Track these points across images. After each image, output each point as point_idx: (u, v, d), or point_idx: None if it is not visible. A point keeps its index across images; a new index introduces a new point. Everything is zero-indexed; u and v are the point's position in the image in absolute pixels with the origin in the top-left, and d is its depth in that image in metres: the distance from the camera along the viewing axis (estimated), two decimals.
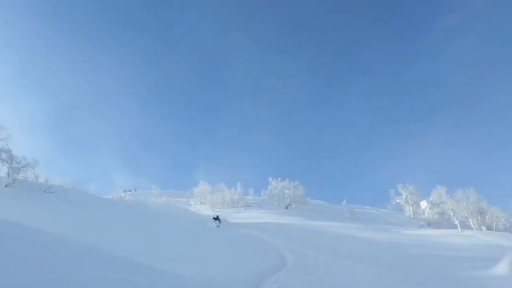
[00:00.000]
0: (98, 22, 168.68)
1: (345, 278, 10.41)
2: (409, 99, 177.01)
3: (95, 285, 3.94)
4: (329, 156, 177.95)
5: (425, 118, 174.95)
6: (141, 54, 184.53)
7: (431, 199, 46.44)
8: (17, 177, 22.42)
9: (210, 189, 56.27)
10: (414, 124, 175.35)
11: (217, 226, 27.56)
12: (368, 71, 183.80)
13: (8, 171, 22.19)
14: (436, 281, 11.57)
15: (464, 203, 40.22)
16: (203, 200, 56.00)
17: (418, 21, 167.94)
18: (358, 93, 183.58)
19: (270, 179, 56.99)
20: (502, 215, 42.11)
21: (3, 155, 22.54)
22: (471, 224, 40.05)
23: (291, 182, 55.22)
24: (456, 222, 37.09)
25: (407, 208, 50.44)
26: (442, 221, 43.95)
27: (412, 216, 48.98)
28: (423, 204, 50.78)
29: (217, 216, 30.47)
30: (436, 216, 44.57)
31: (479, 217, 40.69)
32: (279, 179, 56.39)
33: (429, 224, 44.77)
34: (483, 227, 40.34)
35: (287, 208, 52.64)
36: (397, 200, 51.73)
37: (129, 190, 72.64)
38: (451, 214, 39.60)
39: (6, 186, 21.07)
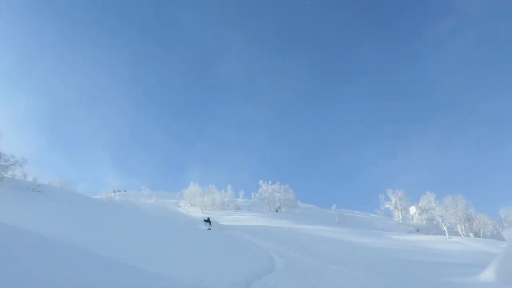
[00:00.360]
0: (92, 20, 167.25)
1: (334, 282, 10.39)
2: (403, 101, 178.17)
3: (82, 287, 3.85)
4: (321, 158, 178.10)
5: (418, 120, 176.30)
6: (135, 52, 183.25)
7: (420, 205, 46.84)
8: (5, 175, 22.09)
9: (200, 191, 56.01)
10: (407, 126, 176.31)
11: (208, 228, 27.08)
12: (363, 71, 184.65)
13: None
14: (423, 287, 11.61)
15: (452, 209, 40.64)
16: (193, 202, 55.69)
17: (413, 25, 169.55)
18: (353, 93, 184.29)
19: (260, 182, 57.17)
20: (489, 222, 42.65)
21: None
22: (459, 230, 40.45)
23: (282, 185, 55.40)
24: (445, 228, 37.42)
25: (396, 213, 50.83)
26: (431, 227, 44.33)
27: (401, 221, 49.37)
28: (412, 209, 51.24)
29: (208, 218, 30.01)
30: (425, 222, 44.95)
31: (467, 224, 41.14)
32: (270, 182, 56.53)
33: (417, 230, 45.12)
34: (470, 233, 40.79)
35: (277, 211, 52.69)
36: (387, 206, 52.13)
37: (119, 191, 72.10)
38: (440, 220, 39.95)
39: None
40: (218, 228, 27.97)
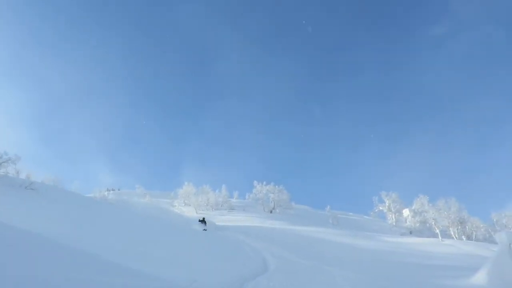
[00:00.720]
0: (87, 16, 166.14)
1: (326, 283, 10.40)
2: (397, 102, 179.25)
3: (71, 286, 3.82)
4: (316, 158, 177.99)
5: (413, 121, 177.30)
6: (130, 49, 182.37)
7: (413, 207, 47.14)
8: None
9: (195, 191, 55.94)
10: (401, 127, 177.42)
11: (204, 229, 26.46)
12: (359, 71, 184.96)
13: None
14: None
15: (445, 212, 40.95)
16: (187, 202, 55.61)
17: (408, 26, 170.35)
18: (348, 93, 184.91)
19: (255, 182, 57.18)
20: (482, 225, 43.02)
21: None
22: (452, 233, 40.72)
23: (276, 186, 55.44)
24: (437, 231, 37.64)
25: (390, 215, 51.08)
26: (424, 230, 44.60)
27: (394, 223, 49.63)
28: (406, 212, 51.50)
29: (203, 219, 29.63)
30: (418, 224, 45.23)
31: (459, 227, 41.43)
32: (264, 183, 56.53)
33: (410, 232, 45.35)
34: (463, 236, 41.08)
35: (271, 212, 52.72)
36: (380, 208, 52.37)
37: (113, 189, 71.78)
38: (433, 223, 40.16)
39: None
40: (214, 229, 27.59)
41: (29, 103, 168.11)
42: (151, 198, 58.54)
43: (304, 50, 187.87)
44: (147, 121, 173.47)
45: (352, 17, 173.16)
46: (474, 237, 41.72)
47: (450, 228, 41.04)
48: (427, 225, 43.89)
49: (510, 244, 13.90)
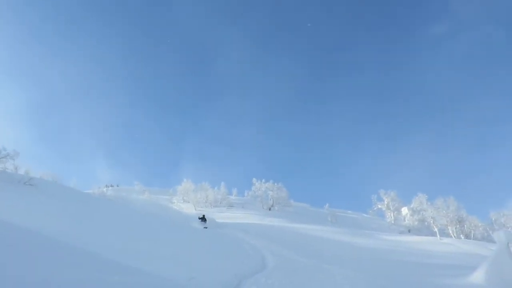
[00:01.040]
0: (86, 13, 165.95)
1: (325, 282, 10.38)
2: (396, 101, 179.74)
3: (69, 285, 3.78)
4: (314, 156, 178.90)
5: (411, 120, 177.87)
6: (129, 47, 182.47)
7: (412, 206, 47.16)
8: None
9: (194, 188, 55.95)
10: (400, 126, 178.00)
11: (205, 227, 25.82)
12: (358, 70, 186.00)
13: None
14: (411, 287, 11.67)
15: (444, 211, 40.95)
16: (186, 199, 55.65)
17: (408, 26, 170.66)
18: (347, 92, 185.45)
19: (254, 180, 57.22)
20: (480, 224, 43.09)
21: None
22: (450, 232, 40.76)
23: (275, 184, 55.45)
24: (436, 229, 37.70)
25: (389, 214, 51.10)
26: (422, 228, 44.64)
27: (393, 222, 49.65)
28: (404, 210, 51.56)
29: (203, 216, 28.77)
30: (417, 223, 45.25)
31: (458, 226, 41.46)
32: (263, 180, 56.56)
33: (409, 231, 45.40)
34: (461, 235, 41.12)
35: (270, 209, 52.77)
36: (379, 206, 52.37)
37: (111, 185, 71.83)
38: (431, 221, 40.23)
39: None
40: (215, 226, 27.03)
41: (28, 100, 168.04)
42: (150, 195, 58.51)
43: (304, 49, 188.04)
44: (147, 119, 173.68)
45: (352, 16, 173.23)
46: (472, 236, 41.80)
47: (448, 227, 41.07)
48: (426, 223, 43.96)
49: (508, 243, 13.90)
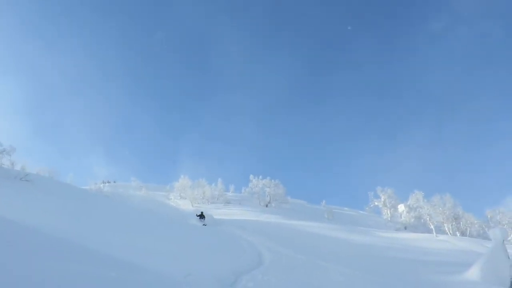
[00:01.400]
0: (82, 5, 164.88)
1: (321, 278, 10.43)
2: (394, 97, 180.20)
3: (66, 280, 3.78)
4: (311, 153, 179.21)
5: (409, 117, 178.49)
6: (126, 40, 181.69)
7: (408, 203, 47.24)
8: None
9: (191, 184, 55.92)
10: (398, 123, 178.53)
11: (204, 224, 25.38)
12: (356, 66, 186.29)
13: None
14: (410, 285, 11.72)
15: (440, 208, 41.06)
16: (183, 195, 55.62)
17: (406, 21, 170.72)
18: (345, 88, 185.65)
19: (251, 176, 57.20)
20: (476, 221, 43.28)
21: None
22: (446, 229, 40.92)
23: (272, 180, 55.51)
24: (432, 226, 37.86)
25: (385, 211, 51.22)
26: (418, 225, 44.81)
27: (389, 219, 49.78)
28: (401, 207, 51.64)
29: (202, 213, 28.11)
30: (413, 220, 45.39)
31: (454, 223, 41.63)
32: (260, 177, 56.59)
33: (405, 228, 45.57)
34: (457, 232, 41.33)
35: (267, 206, 52.87)
36: (376, 203, 52.50)
37: (108, 182, 71.67)
38: (427, 218, 40.36)
39: None
40: (213, 223, 26.55)
41: (25, 95, 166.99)
42: (147, 191, 58.49)
43: (302, 45, 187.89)
44: (144, 114, 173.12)
45: (350, 13, 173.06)
46: (468, 233, 42.00)
47: (444, 224, 41.23)
48: (422, 220, 44.08)
49: (503, 240, 14.01)
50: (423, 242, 26.92)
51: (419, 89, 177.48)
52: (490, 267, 13.12)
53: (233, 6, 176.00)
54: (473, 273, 13.13)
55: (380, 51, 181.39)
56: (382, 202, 51.56)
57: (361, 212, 61.84)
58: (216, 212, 38.13)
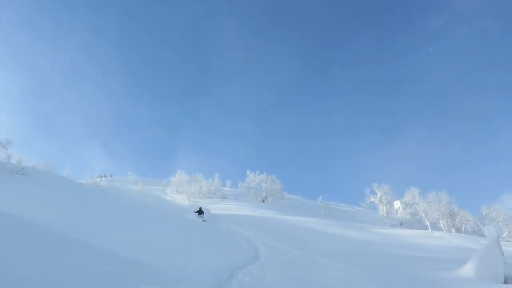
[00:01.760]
0: (77, 3, 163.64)
1: (317, 274, 10.47)
2: (391, 94, 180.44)
3: (61, 274, 3.78)
4: (308, 149, 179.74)
5: (406, 114, 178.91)
6: (124, 34, 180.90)
7: (404, 199, 47.51)
8: None
9: (187, 179, 55.94)
10: (395, 120, 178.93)
11: (203, 220, 24.90)
12: (354, 63, 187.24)
13: None
14: (405, 281, 11.78)
15: (436, 205, 41.30)
16: (179, 190, 55.66)
17: (405, 19, 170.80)
18: (343, 85, 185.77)
19: (248, 172, 57.36)
20: (471, 218, 43.50)
21: None
22: (442, 226, 41.15)
23: (269, 176, 55.63)
24: (427, 223, 38.05)
25: (381, 207, 51.46)
26: (414, 222, 45.09)
27: (385, 215, 50.01)
28: (397, 204, 51.89)
29: (200, 209, 27.31)
30: (409, 216, 45.67)
31: (449, 220, 41.88)
32: (257, 172, 56.76)
33: (401, 224, 45.81)
34: (452, 229, 41.57)
35: (263, 201, 52.99)
36: (372, 199, 52.71)
37: (105, 176, 71.53)
38: (423, 215, 40.55)
39: None
40: (211, 218, 26.21)
41: (21, 88, 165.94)
42: (143, 186, 58.44)
43: (300, 42, 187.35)
44: (142, 109, 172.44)
45: (349, 10, 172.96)
46: (463, 230, 42.27)
47: (440, 221, 41.45)
48: (418, 217, 44.36)
49: (498, 237, 14.09)
50: (419, 239, 27.08)
51: (417, 88, 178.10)
52: (485, 263, 13.21)
53: (232, 2, 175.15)
54: (467, 269, 13.22)
55: (379, 49, 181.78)
56: (378, 198, 51.78)
57: (358, 208, 62.07)
58: (212, 207, 38.13)
